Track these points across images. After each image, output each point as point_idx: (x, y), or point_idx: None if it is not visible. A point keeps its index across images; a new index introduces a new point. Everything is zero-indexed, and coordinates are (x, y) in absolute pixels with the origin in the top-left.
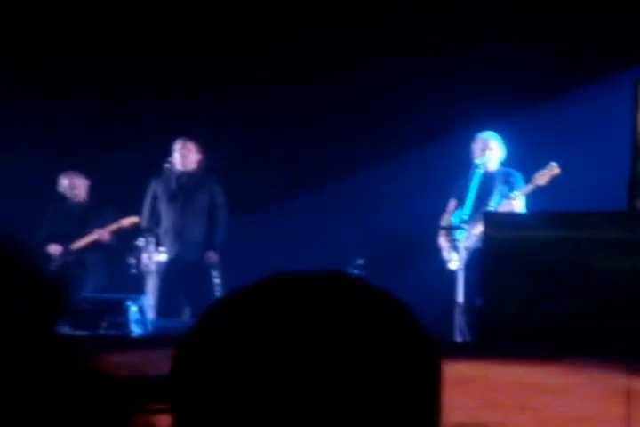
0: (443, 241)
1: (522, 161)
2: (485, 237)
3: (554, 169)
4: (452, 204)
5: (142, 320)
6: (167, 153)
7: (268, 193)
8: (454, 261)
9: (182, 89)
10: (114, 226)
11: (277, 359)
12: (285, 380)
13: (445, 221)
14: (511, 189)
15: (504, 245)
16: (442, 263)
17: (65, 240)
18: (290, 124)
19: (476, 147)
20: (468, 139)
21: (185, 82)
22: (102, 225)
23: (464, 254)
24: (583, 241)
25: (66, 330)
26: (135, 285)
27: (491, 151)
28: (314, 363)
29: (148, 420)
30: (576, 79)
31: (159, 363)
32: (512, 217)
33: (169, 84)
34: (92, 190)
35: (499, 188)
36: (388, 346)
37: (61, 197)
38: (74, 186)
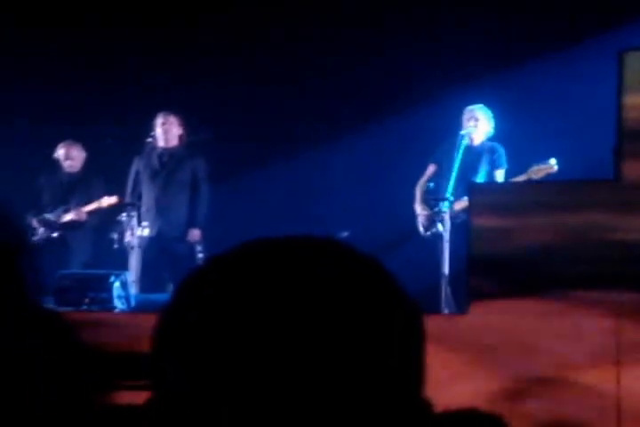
0: (420, 209)
1: (507, 132)
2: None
3: (552, 167)
4: (431, 169)
5: (126, 296)
6: (148, 127)
7: (250, 164)
8: (432, 229)
9: (162, 59)
10: (93, 205)
11: (261, 327)
12: (271, 348)
13: (422, 186)
14: (494, 167)
15: (491, 216)
16: (427, 235)
17: (48, 212)
18: (273, 93)
19: (464, 118)
20: (454, 109)
21: (164, 52)
22: (88, 199)
23: (449, 226)
24: (570, 207)
25: (49, 306)
26: (118, 260)
27: (477, 122)
28: (299, 330)
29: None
30: (559, 44)
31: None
32: (499, 186)
33: (149, 55)
34: (86, 163)
35: (484, 165)
36: (377, 313)
37: (54, 166)
38: (69, 156)
